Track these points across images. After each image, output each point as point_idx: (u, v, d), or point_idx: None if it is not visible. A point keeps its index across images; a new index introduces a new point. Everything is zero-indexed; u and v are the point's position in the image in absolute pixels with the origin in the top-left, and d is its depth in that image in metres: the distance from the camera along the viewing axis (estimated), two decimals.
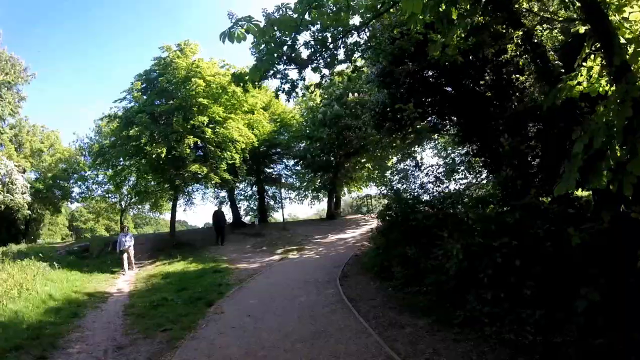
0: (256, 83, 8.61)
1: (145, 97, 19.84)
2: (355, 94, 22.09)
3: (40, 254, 16.12)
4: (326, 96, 23.93)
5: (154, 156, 17.30)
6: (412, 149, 17.47)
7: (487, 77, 10.34)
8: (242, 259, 15.70)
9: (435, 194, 11.00)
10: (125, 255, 15.35)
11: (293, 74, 8.98)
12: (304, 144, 25.21)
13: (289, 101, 9.32)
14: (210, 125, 18.51)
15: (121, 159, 20.00)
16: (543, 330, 5.35)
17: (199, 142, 18.04)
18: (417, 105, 12.59)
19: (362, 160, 25.55)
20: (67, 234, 51.55)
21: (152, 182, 20.19)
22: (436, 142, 19.48)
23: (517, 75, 9.63)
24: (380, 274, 10.09)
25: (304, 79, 9.15)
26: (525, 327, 5.48)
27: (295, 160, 26.07)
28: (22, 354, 6.27)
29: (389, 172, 16.48)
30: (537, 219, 6.34)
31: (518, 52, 8.56)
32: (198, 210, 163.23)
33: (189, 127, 18.11)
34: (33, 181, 34.32)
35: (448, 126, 14.77)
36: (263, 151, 24.70)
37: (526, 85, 9.60)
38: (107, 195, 35.32)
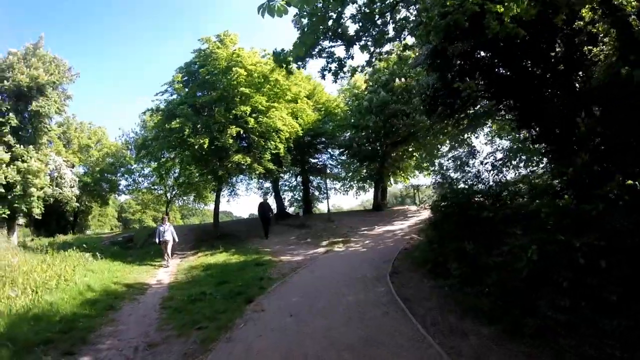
0: (300, 63, 7.98)
1: (186, 89, 19.71)
2: (402, 80, 21.03)
3: (84, 245, 16.46)
4: (371, 83, 23.01)
5: (196, 147, 17.11)
6: (465, 135, 16.33)
7: (557, 50, 9.10)
8: (286, 251, 15.24)
9: (492, 183, 10.07)
10: (164, 247, 15.22)
11: (340, 51, 8.23)
12: (349, 134, 24.42)
13: (335, 82, 8.59)
14: (253, 115, 18.09)
15: (164, 151, 20.03)
16: (631, 345, 4.49)
17: (242, 132, 17.62)
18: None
19: (410, 149, 24.49)
20: (115, 225, 53.53)
21: (196, 174, 20.07)
22: (490, 128, 18.17)
23: (590, 47, 8.43)
24: (434, 271, 9.24)
25: (352, 57, 8.37)
26: (609, 340, 4.63)
27: (341, 150, 25.31)
28: (50, 349, 6.00)
29: (442, 159, 15.43)
30: (624, 210, 5.36)
31: (594, 18, 7.43)
32: (243, 201, 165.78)
33: (231, 117, 17.77)
34: (81, 175, 35.73)
35: (503, 111, 13.59)
36: (307, 141, 24.19)
37: (600, 57, 8.36)
38: (152, 188, 36.32)
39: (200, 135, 17.39)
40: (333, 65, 8.25)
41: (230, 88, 18.25)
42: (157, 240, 15.41)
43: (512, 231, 6.57)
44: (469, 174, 11.44)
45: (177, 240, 15.53)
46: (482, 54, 11.62)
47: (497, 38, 8.40)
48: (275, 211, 23.83)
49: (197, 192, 22.65)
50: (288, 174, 28.23)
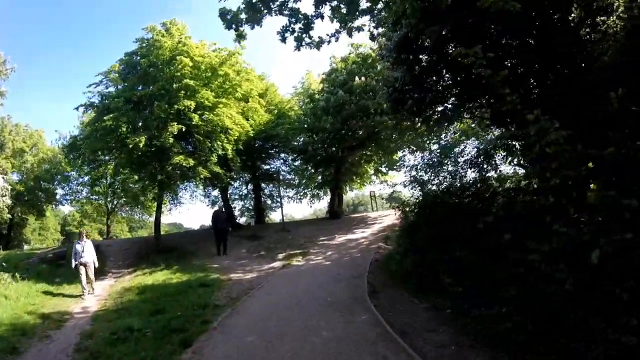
0: (253, 23, 5.98)
1: (125, 83, 17.07)
2: (362, 79, 19.47)
3: (3, 264, 13.61)
4: (328, 84, 21.30)
5: (130, 147, 14.56)
6: (434, 134, 14.88)
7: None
8: (237, 267, 12.96)
9: (475, 181, 8.82)
10: (83, 271, 11.27)
11: (307, 6, 6.30)
12: (302, 138, 22.46)
13: (299, 49, 6.66)
14: (198, 112, 15.76)
15: (98, 153, 17.11)
16: None
17: (184, 130, 15.11)
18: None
19: (368, 153, 22.91)
20: (58, 239, 48.73)
21: (131, 179, 17.26)
22: (455, 127, 16.90)
23: (603, 18, 7.05)
24: (421, 287, 7.53)
25: (321, 17, 6.45)
26: None
27: (294, 154, 23.26)
28: None
29: (410, 158, 13.87)
30: None
31: None
32: (194, 211, 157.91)
33: (173, 112, 15.30)
34: (15, 183, 31.56)
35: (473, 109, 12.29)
36: (259, 145, 21.98)
37: (616, 29, 6.97)
38: (92, 197, 32.56)
39: (138, 134, 14.87)
40: (297, 26, 6.30)
41: (173, 80, 15.84)
42: (72, 263, 11.48)
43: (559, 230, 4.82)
44: (443, 173, 10.03)
45: (96, 264, 11.85)
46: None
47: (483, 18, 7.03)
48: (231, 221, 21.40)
49: (135, 200, 19.59)
50: (238, 181, 25.88)
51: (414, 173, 10.68)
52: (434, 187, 9.75)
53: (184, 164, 14.81)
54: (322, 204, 32.76)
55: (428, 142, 15.28)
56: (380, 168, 24.00)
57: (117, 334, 6.95)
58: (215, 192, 25.04)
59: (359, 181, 26.80)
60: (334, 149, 21.61)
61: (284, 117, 21.92)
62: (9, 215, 30.02)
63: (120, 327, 7.23)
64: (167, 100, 15.62)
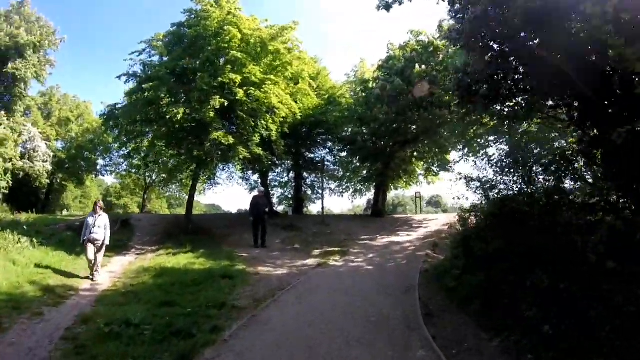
0: None
1: (170, 54, 16.00)
2: (422, 66, 17.52)
3: (25, 227, 12.94)
4: (383, 72, 19.48)
5: (168, 118, 13.46)
6: (501, 131, 12.84)
7: None
8: (267, 258, 11.57)
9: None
10: (91, 249, 9.39)
11: None
12: (351, 129, 20.75)
13: (388, 11, 5.01)
14: (244, 88, 14.44)
15: (137, 124, 16.06)
16: None
17: (227, 106, 13.78)
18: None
19: (421, 150, 20.93)
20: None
21: (167, 153, 16.16)
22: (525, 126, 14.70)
23: None
24: (488, 314, 5.81)
25: None
26: None
27: (342, 145, 21.57)
28: None
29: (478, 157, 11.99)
30: None
31: None
32: (233, 194, 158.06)
33: (216, 85, 14.03)
34: (58, 150, 31.89)
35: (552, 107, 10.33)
36: (305, 132, 20.48)
37: None
38: (130, 170, 32.14)
39: (177, 106, 13.76)
40: None
41: (219, 52, 14.61)
42: (81, 239, 9.91)
43: None
44: (511, 176, 8.54)
45: (107, 242, 9.99)
46: None
47: None
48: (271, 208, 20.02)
49: (171, 176, 18.56)
50: (280, 167, 24.58)
51: (476, 174, 9.09)
52: (502, 193, 8.44)
53: (223, 141, 13.50)
54: (361, 201, 31.05)
55: (494, 141, 13.24)
56: (432, 167, 21.84)
57: (112, 325, 5.68)
58: (255, 177, 23.95)
59: (405, 180, 24.82)
60: (384, 142, 19.80)
61: (335, 104, 20.30)
62: (47, 181, 30.43)
63: (119, 319, 5.96)
64: (212, 73, 14.41)
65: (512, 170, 8.77)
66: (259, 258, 11.59)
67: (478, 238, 7.95)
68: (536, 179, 8.11)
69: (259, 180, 22.99)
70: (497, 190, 8.80)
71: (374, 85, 19.67)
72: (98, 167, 35.56)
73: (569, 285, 5.27)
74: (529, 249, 6.24)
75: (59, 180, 34.61)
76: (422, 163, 22.74)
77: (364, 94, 20.44)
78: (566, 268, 5.57)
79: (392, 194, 31.24)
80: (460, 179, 9.37)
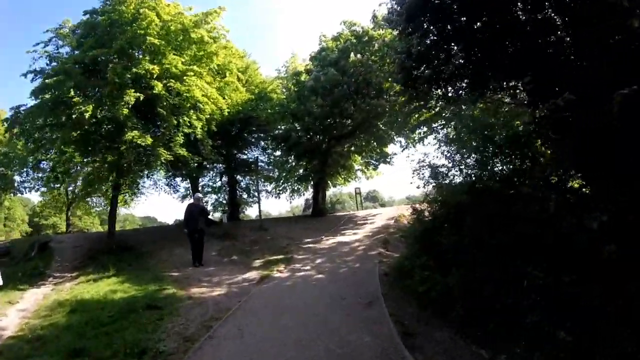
0: None
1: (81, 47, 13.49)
2: (358, 55, 16.42)
3: None
4: (315, 64, 18.22)
5: (73, 117, 11.19)
6: (448, 115, 12.01)
7: None
8: (202, 275, 9.75)
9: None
10: None
11: None
12: (284, 127, 19.18)
13: None
14: (164, 81, 12.43)
15: (46, 129, 13.26)
16: None
17: (141, 98, 11.65)
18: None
19: (358, 144, 19.83)
20: (26, 231, 43.94)
21: (77, 159, 13.58)
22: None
23: None
24: (475, 320, 4.63)
25: None
26: None
27: (275, 143, 19.88)
28: None
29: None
30: None
31: None
32: (169, 202, 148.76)
33: (130, 77, 11.93)
34: None
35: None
36: (235, 132, 18.64)
37: None
38: (49, 185, 27.99)
39: (85, 103, 11.49)
40: None
41: (135, 39, 12.42)
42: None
43: None
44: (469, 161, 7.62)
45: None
46: None
47: None
48: (209, 217, 17.68)
49: (89, 187, 15.76)
50: (212, 171, 22.47)
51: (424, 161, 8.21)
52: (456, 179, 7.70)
53: (139, 142, 11.38)
54: (300, 201, 29.71)
55: (440, 126, 12.35)
56: (371, 161, 20.78)
57: None
58: (185, 183, 21.64)
59: (344, 176, 23.70)
60: (320, 137, 18.48)
61: (266, 99, 18.64)
62: None
63: None
64: (125, 64, 12.22)
65: (466, 155, 7.95)
66: (192, 276, 9.74)
67: (443, 230, 6.94)
68: (491, 163, 7.29)
69: (189, 186, 20.79)
70: (450, 177, 7.96)
71: (307, 77, 18.33)
72: (16, 184, 30.55)
73: (576, 278, 4.28)
74: (515, 239, 5.20)
75: None
76: (361, 157, 21.71)
77: (296, 89, 19.00)
78: (564, 259, 4.59)
79: (329, 192, 29.93)
80: (421, 167, 8.35)
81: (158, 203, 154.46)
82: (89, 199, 27.68)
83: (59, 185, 24.00)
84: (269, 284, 8.35)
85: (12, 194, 32.92)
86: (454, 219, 6.79)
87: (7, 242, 18.36)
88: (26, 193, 31.82)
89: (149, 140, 11.56)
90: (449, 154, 8.51)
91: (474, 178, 7.31)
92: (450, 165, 8.41)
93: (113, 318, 6.68)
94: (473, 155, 7.75)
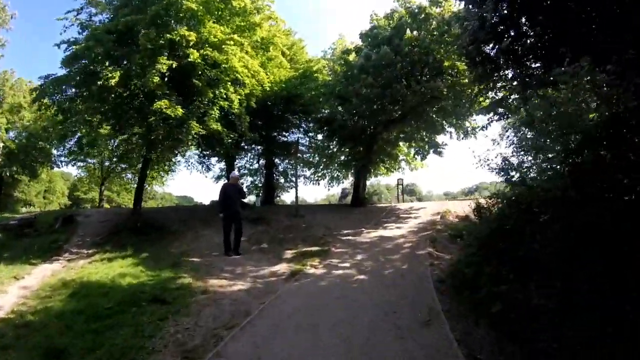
0: None
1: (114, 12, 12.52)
2: (414, 32, 14.63)
3: None
4: (366, 42, 16.56)
5: (100, 84, 10.23)
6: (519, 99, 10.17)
7: None
8: (225, 264, 8.51)
9: None
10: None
11: None
12: (329, 110, 17.63)
13: None
14: (200, 50, 11.24)
15: (77, 100, 12.47)
16: None
17: (174, 66, 10.51)
18: None
19: (408, 130, 17.96)
20: (65, 204, 45.07)
21: (104, 129, 12.69)
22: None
23: None
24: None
25: None
26: None
27: (318, 126, 18.43)
28: None
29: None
30: None
31: None
32: (206, 183, 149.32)
33: (163, 42, 10.80)
34: (8, 140, 27.55)
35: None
36: (277, 112, 17.29)
37: None
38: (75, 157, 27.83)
39: (113, 70, 10.52)
40: None
41: (171, 4, 11.25)
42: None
43: None
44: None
45: None
46: None
47: None
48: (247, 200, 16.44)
49: (121, 161, 14.98)
50: (250, 152, 21.37)
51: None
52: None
53: (168, 112, 10.24)
54: (336, 189, 28.26)
55: (506, 114, 10.50)
56: (424, 149, 18.72)
57: None
58: (222, 164, 20.63)
59: (387, 165, 21.90)
60: (367, 121, 16.80)
61: (311, 80, 17.16)
62: None
63: None
64: (159, 30, 11.11)
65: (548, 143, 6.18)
66: (214, 264, 8.54)
67: (519, 234, 5.41)
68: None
69: (225, 167, 19.77)
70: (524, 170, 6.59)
71: (356, 58, 16.71)
72: (53, 158, 30.90)
73: None
74: None
75: (8, 174, 30.12)
76: (410, 145, 19.82)
77: (344, 69, 17.43)
78: None
79: (367, 182, 27.92)
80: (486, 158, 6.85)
81: (196, 182, 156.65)
82: (124, 174, 27.45)
83: (83, 158, 23.69)
84: (300, 282, 6.95)
85: (49, 168, 33.43)
86: (541, 221, 5.19)
87: (34, 214, 18.02)
88: (62, 167, 32.23)
89: (179, 111, 10.35)
90: (522, 143, 6.96)
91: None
92: (525, 156, 6.84)
93: (112, 310, 5.54)
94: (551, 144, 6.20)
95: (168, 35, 10.72)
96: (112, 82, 10.05)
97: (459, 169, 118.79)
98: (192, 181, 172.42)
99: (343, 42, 20.45)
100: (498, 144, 7.93)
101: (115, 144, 13.49)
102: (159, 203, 48.21)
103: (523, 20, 8.73)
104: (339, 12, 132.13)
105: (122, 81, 10.66)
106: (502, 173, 7.28)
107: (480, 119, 13.89)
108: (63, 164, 30.40)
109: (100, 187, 29.45)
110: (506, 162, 7.34)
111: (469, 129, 16.98)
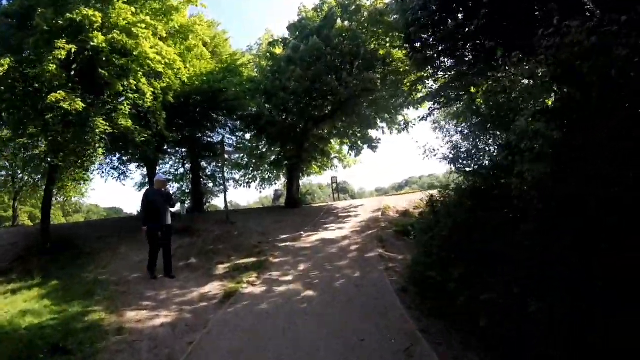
0: None
1: None
2: (345, 22, 13.74)
3: None
4: (293, 34, 15.46)
5: None
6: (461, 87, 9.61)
7: None
8: (145, 289, 6.88)
9: None
10: None
11: None
12: (255, 108, 16.19)
13: None
14: (107, 35, 9.35)
15: None
16: None
17: (73, 51, 8.59)
18: None
19: (340, 126, 17.05)
20: None
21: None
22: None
23: None
24: None
25: None
26: None
27: (245, 124, 16.88)
28: None
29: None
30: None
31: None
32: (134, 193, 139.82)
33: (62, 23, 8.79)
34: None
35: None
36: (200, 111, 15.48)
37: None
38: None
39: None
40: None
41: None
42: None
43: None
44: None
45: None
46: None
47: None
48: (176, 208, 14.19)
49: (25, 170, 12.28)
50: (173, 157, 19.30)
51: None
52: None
53: (64, 106, 8.25)
54: (269, 191, 26.86)
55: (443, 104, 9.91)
56: (357, 143, 17.87)
57: None
58: (143, 170, 18.32)
59: (319, 164, 20.94)
60: (296, 118, 15.65)
61: (235, 74, 15.57)
62: None
63: None
64: (58, 8, 9.08)
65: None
66: (133, 289, 6.90)
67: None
68: None
69: (146, 173, 17.53)
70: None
71: (282, 51, 15.52)
72: None
73: None
74: None
75: None
76: (343, 141, 18.98)
77: (270, 62, 16.15)
78: None
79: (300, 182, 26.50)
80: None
81: (126, 192, 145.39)
82: (42, 186, 23.61)
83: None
84: (236, 307, 5.56)
85: None
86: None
87: None
88: None
89: (78, 104, 8.38)
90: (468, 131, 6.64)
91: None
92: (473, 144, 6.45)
93: None
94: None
95: (68, 14, 8.73)
96: (0, 70, 7.93)
97: (393, 164, 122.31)
98: (123, 190, 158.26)
99: (269, 37, 19.14)
100: (447, 134, 7.43)
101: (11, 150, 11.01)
102: (85, 216, 43.36)
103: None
104: (265, 9, 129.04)
105: (14, 71, 8.56)
106: (453, 162, 6.76)
107: (413, 112, 13.38)
108: None
109: (14, 203, 25.27)
110: (455, 150, 6.80)
111: (402, 122, 16.52)
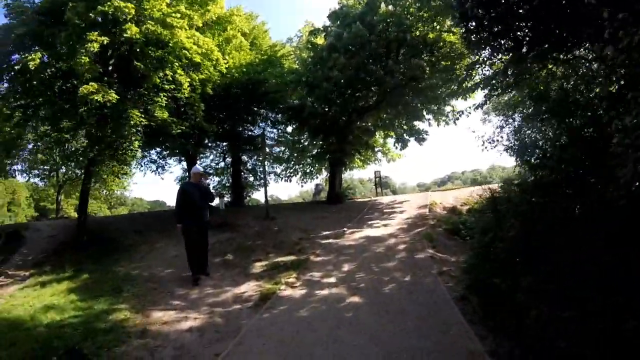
0: None
1: None
2: (390, 7, 12.89)
3: None
4: (334, 22, 14.73)
5: (17, 68, 8.05)
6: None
7: None
8: (175, 291, 6.43)
9: None
10: None
11: None
12: (296, 100, 15.65)
13: None
14: (142, 27, 9.10)
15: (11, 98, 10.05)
16: None
17: (105, 43, 8.38)
18: None
19: (385, 116, 16.18)
20: (32, 216, 41.28)
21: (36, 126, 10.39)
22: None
23: None
24: None
25: None
26: None
27: (286, 116, 16.43)
28: None
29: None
30: None
31: None
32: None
33: (93, 16, 8.58)
34: None
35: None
36: (242, 104, 15.13)
37: None
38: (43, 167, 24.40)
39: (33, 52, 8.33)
40: None
41: None
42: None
43: None
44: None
45: None
46: None
47: None
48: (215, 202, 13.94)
49: (69, 161, 12.44)
50: (214, 151, 19.23)
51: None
52: None
53: (96, 98, 8.03)
54: (310, 185, 26.32)
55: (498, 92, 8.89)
56: (403, 136, 16.89)
57: None
58: (182, 164, 18.32)
59: (362, 157, 20.16)
60: (339, 110, 14.95)
61: (275, 66, 15.11)
62: None
63: None
64: (88, 2, 8.91)
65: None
66: (164, 286, 6.54)
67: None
68: None
69: (187, 168, 17.48)
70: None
71: (324, 41, 14.87)
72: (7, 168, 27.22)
73: None
74: None
75: None
76: (388, 134, 18.11)
77: (311, 53, 15.56)
78: None
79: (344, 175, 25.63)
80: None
81: (169, 186, 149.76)
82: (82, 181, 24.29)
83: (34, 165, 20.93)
84: (272, 312, 4.99)
85: (2, 178, 29.89)
86: None
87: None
88: (17, 176, 28.74)
89: (112, 96, 8.16)
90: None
91: None
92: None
93: None
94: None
95: (100, 7, 8.52)
96: (32, 64, 7.84)
97: (436, 159, 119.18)
98: (166, 184, 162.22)
99: (310, 27, 18.54)
100: (506, 123, 6.70)
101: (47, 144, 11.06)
102: (130, 209, 45.06)
103: None
104: (305, 6, 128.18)
105: (48, 65, 8.49)
106: (518, 154, 6.00)
107: (461, 103, 12.33)
108: (18, 172, 27.06)
109: (57, 196, 26.28)
110: (520, 141, 6.01)
111: (449, 113, 15.47)
